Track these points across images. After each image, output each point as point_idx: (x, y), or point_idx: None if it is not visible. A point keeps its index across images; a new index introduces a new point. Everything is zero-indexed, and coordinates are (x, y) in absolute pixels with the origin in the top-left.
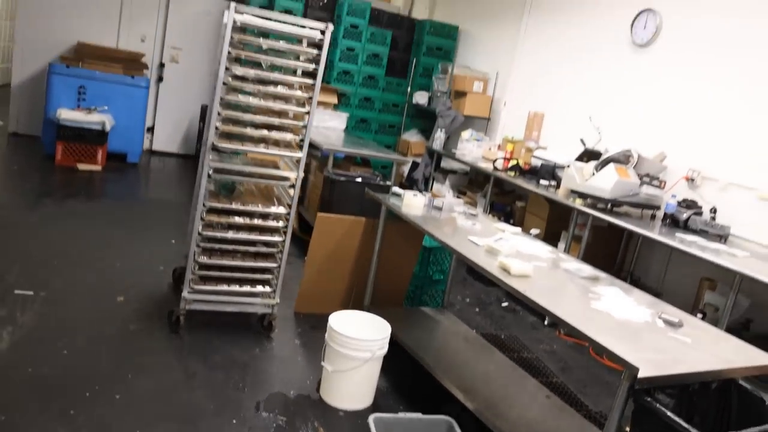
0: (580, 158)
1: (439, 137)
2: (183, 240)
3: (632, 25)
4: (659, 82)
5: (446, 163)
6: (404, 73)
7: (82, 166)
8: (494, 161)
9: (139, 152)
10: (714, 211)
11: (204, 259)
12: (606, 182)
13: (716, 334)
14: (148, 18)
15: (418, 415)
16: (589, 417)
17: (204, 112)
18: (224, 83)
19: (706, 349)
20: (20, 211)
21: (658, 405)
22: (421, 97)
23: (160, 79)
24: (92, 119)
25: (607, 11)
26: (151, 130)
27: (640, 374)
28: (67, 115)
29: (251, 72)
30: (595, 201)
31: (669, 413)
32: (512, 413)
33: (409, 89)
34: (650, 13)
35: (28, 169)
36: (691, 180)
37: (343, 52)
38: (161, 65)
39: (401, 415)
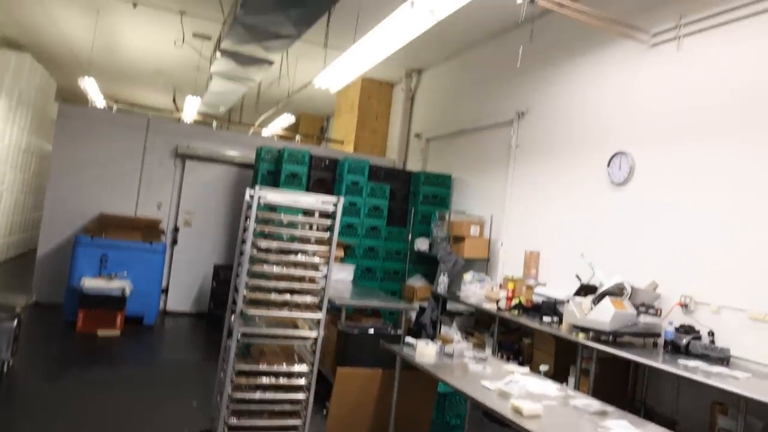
0: (577, 293)
1: (442, 281)
2: (204, 401)
3: (608, 167)
4: (641, 215)
5: (452, 306)
6: (404, 222)
7: (101, 332)
8: (497, 301)
9: (155, 314)
10: (712, 334)
11: (233, 421)
12: (604, 315)
13: None
14: (164, 186)
15: None
16: None
17: (216, 272)
18: (251, 256)
19: None
20: (49, 381)
21: None
22: (422, 244)
23: (174, 242)
24: (113, 286)
25: (583, 155)
26: (165, 291)
27: None
28: (90, 283)
29: (274, 244)
30: (597, 334)
31: None
32: None
33: (410, 236)
34: (623, 155)
35: (51, 338)
36: (684, 306)
37: (346, 208)
38: (176, 229)
39: None
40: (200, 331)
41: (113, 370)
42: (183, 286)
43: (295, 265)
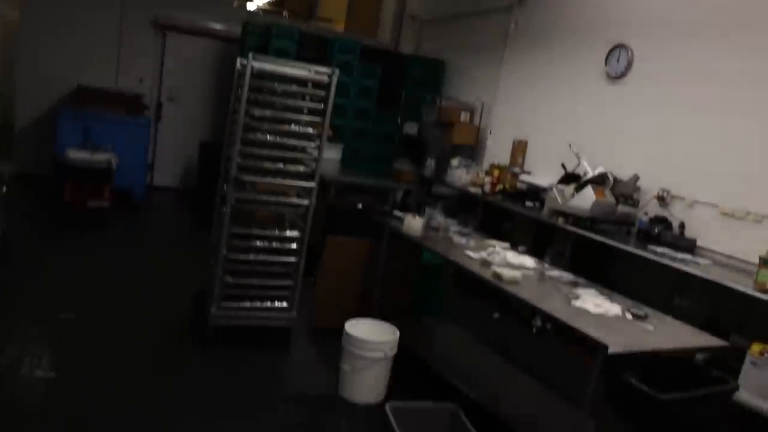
0: (561, 181)
1: (429, 165)
2: (197, 267)
3: (607, 60)
4: (632, 110)
5: (437, 190)
6: (394, 105)
7: (91, 203)
8: (482, 186)
9: (143, 188)
10: (682, 225)
11: (229, 279)
12: (585, 202)
13: (676, 324)
14: (145, 60)
15: (429, 403)
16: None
17: (203, 148)
18: (244, 124)
19: (665, 333)
20: (45, 247)
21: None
22: (411, 128)
23: (158, 118)
24: (98, 158)
25: (583, 46)
26: (151, 166)
27: (610, 351)
28: (76, 155)
29: (268, 112)
30: (576, 219)
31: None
32: (508, 401)
33: (399, 120)
34: (623, 48)
35: (39, 208)
36: (661, 199)
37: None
38: (159, 105)
39: (413, 403)
40: (187, 204)
41: (106, 236)
42: (169, 162)
43: (288, 135)
